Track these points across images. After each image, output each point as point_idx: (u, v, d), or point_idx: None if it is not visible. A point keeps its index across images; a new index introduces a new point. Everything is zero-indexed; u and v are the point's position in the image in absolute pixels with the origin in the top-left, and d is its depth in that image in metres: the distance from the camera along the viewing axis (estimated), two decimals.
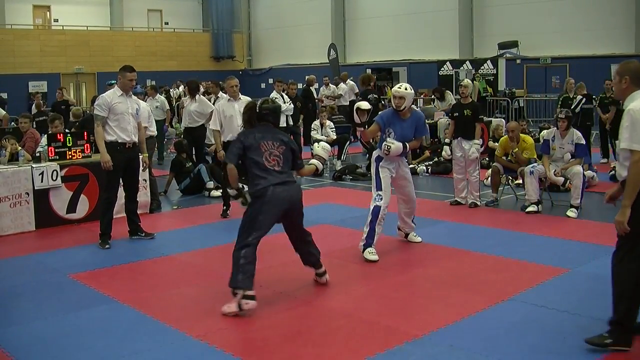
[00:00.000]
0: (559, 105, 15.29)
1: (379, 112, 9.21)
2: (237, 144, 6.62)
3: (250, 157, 6.54)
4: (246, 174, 6.65)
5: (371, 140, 11.16)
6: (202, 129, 13.34)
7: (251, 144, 6.55)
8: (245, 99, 10.83)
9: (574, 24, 26.35)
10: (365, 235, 8.12)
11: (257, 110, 6.74)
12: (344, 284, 7.22)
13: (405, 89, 8.39)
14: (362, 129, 8.37)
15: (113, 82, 14.74)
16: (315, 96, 21.29)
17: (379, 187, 8.25)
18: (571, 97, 15.43)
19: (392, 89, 8.53)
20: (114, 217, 9.53)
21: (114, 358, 5.45)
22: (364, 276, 7.58)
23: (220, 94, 17.26)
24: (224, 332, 5.91)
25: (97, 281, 7.54)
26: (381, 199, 8.15)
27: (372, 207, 8.16)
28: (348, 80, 21.87)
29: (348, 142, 16.58)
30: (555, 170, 10.53)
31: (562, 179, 10.65)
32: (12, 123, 14.72)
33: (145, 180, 11.08)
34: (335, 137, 15.66)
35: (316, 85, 22.89)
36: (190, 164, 13.22)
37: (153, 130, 11.66)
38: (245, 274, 6.26)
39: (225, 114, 10.28)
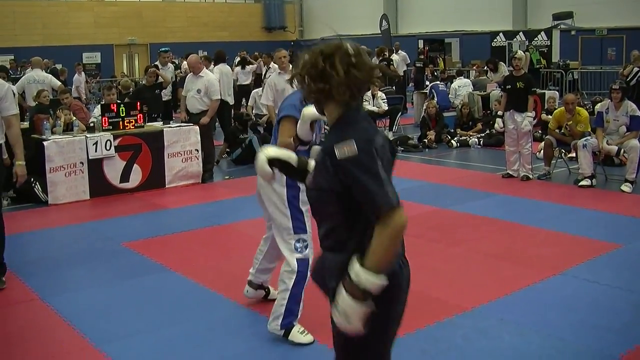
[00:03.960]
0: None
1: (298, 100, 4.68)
2: (373, 154, 2.72)
3: None
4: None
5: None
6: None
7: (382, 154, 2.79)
8: None
9: None
10: (281, 314, 5.14)
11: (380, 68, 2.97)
12: None
13: None
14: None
15: (166, 49, 14.87)
16: None
17: (301, 229, 5.11)
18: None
19: None
20: (168, 186, 9.64)
21: (166, 325, 5.54)
22: (414, 248, 7.49)
23: (272, 64, 17.39)
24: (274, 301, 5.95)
25: (150, 250, 7.66)
26: (307, 247, 5.12)
27: (294, 263, 5.09)
28: (400, 50, 21.77)
29: (400, 113, 16.48)
30: (607, 141, 10.35)
31: (615, 148, 10.40)
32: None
33: (198, 151, 11.17)
34: (386, 108, 15.55)
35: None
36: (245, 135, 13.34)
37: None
38: None
39: (277, 87, 9.98)
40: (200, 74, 11.40)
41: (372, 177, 2.68)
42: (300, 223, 5.09)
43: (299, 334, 5.12)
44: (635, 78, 15.08)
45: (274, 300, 5.36)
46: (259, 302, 5.92)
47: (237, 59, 20.05)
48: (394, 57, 20.82)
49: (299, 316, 5.16)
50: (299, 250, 5.11)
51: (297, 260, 5.08)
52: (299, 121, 4.68)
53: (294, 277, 5.08)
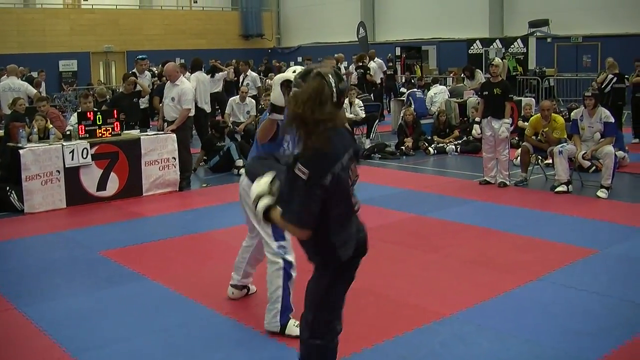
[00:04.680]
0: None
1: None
2: (319, 178, 3.40)
3: (334, 198, 3.54)
4: None
5: None
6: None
7: (339, 175, 3.48)
8: None
9: (606, 2, 25.91)
10: (279, 311, 5.33)
11: (336, 89, 3.42)
12: (372, 262, 7.17)
13: None
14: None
15: (144, 57, 14.80)
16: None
17: (280, 237, 5.28)
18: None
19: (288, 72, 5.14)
20: (145, 194, 9.56)
21: (145, 334, 5.51)
22: (393, 255, 7.57)
23: (249, 72, 17.36)
24: (252, 310, 5.94)
25: (127, 258, 7.61)
26: (286, 253, 5.31)
27: (280, 261, 5.29)
28: (376, 58, 21.84)
29: (377, 121, 16.53)
30: (584, 153, 10.43)
31: (588, 163, 10.58)
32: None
33: (175, 159, 11.13)
34: (364, 115, 15.57)
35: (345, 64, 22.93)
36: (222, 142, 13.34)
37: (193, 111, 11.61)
38: None
39: None
40: (176, 82, 11.34)
41: (304, 196, 3.42)
42: (280, 230, 5.10)
43: (295, 328, 5.17)
44: (610, 85, 15.18)
45: (252, 295, 5.70)
46: (237, 310, 5.92)
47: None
48: (371, 64, 20.89)
49: (293, 310, 5.26)
50: (280, 254, 5.28)
51: (283, 260, 5.27)
52: (273, 85, 5.12)
53: (282, 274, 5.28)
